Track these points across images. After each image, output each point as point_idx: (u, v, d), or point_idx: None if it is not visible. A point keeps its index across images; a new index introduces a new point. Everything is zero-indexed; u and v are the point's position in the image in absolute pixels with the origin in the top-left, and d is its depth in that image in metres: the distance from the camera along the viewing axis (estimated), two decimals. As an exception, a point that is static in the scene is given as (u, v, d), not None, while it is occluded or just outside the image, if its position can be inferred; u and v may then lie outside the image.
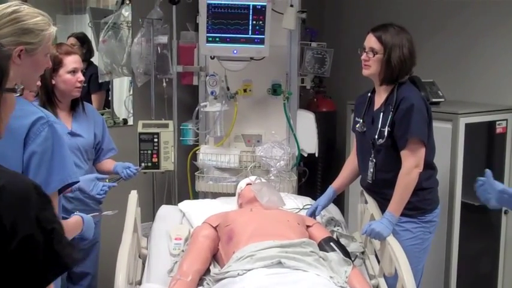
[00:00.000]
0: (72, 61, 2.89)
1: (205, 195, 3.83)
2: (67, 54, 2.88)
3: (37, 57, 1.89)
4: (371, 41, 2.82)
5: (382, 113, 2.83)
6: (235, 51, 3.45)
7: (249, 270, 2.31)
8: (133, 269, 2.66)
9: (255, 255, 2.37)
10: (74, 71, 2.88)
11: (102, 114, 3.66)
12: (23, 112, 1.84)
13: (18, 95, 1.45)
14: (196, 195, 3.92)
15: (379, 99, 2.90)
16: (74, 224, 2.16)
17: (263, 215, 2.80)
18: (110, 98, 4.26)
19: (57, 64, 2.81)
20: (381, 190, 2.89)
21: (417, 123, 2.72)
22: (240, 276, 2.30)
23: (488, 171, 2.24)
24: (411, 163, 2.73)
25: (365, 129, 2.93)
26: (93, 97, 4.04)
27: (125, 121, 4.29)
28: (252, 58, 3.52)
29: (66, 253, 1.30)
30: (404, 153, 2.75)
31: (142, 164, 3.58)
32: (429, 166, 2.84)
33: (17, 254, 1.20)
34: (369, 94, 2.99)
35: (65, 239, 1.32)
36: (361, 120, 2.96)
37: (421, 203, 2.85)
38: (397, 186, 2.74)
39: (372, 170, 2.88)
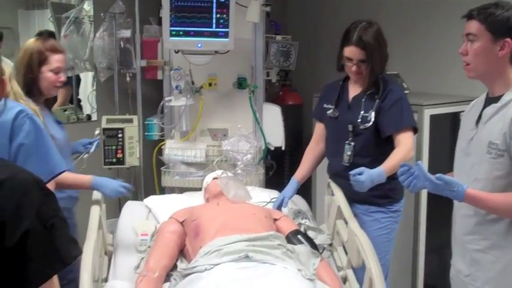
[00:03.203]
0: (57, 60, 2.80)
1: (172, 190, 3.79)
2: (53, 52, 2.79)
3: None
4: (356, 53, 2.80)
5: (363, 100, 2.88)
6: (199, 45, 3.41)
7: (216, 264, 2.29)
8: (99, 266, 2.61)
9: (222, 249, 2.35)
10: (57, 70, 2.80)
11: (65, 111, 3.60)
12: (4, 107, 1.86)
13: None
14: (162, 191, 3.89)
15: (356, 87, 2.95)
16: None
17: (230, 209, 2.78)
18: (73, 94, 4.20)
19: (41, 60, 2.74)
20: None
21: (409, 113, 2.86)
22: (207, 271, 2.27)
23: (420, 163, 2.23)
24: (410, 145, 2.79)
25: (337, 114, 2.96)
26: (58, 92, 3.97)
27: (89, 117, 4.22)
28: (216, 52, 3.49)
29: (65, 249, 1.30)
30: (402, 137, 2.79)
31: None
32: None
33: (17, 248, 1.19)
34: (341, 83, 3.03)
35: (67, 235, 1.32)
36: (333, 106, 2.98)
37: (391, 191, 2.91)
38: (397, 153, 2.73)
39: (349, 152, 2.90)
